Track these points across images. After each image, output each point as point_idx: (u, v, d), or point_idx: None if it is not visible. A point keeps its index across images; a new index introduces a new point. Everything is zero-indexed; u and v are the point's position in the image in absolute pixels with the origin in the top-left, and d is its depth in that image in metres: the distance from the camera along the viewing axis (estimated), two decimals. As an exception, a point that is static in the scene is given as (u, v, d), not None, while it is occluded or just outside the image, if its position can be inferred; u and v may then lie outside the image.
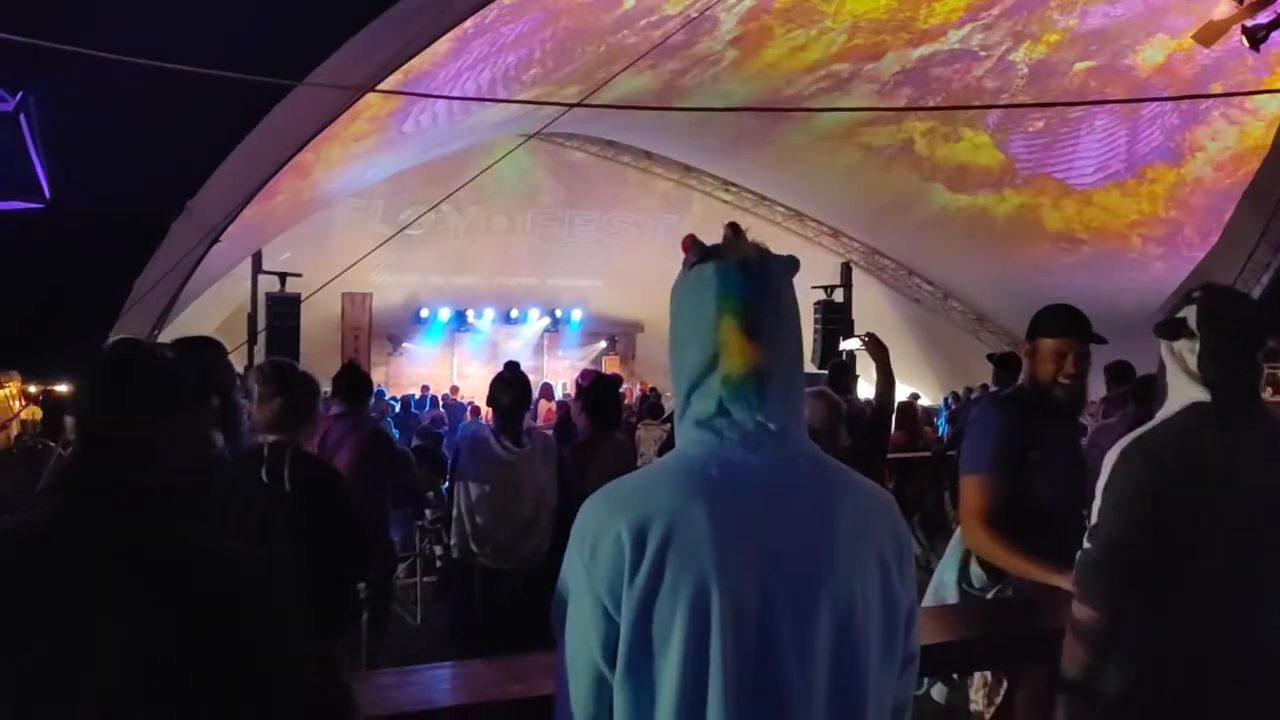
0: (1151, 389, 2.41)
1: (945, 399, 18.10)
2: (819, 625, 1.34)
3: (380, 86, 9.23)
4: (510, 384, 4.47)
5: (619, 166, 18.71)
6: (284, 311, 12.33)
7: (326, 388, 6.09)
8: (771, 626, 1.32)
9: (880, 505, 1.47)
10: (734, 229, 1.53)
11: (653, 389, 16.00)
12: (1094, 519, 2.17)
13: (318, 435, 4.79)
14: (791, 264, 1.51)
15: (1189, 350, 2.20)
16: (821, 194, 17.95)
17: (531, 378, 5.47)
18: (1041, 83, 12.69)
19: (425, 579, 7.34)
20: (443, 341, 21.15)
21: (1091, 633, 2.07)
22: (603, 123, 16.20)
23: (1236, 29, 8.53)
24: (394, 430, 8.46)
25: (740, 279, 1.44)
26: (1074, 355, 2.95)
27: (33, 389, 10.30)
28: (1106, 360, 6.24)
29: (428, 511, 7.23)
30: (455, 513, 4.38)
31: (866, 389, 6.24)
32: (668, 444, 6.39)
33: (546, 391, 15.08)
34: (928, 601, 3.04)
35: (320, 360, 12.10)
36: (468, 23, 9.68)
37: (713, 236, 1.54)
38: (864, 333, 5.47)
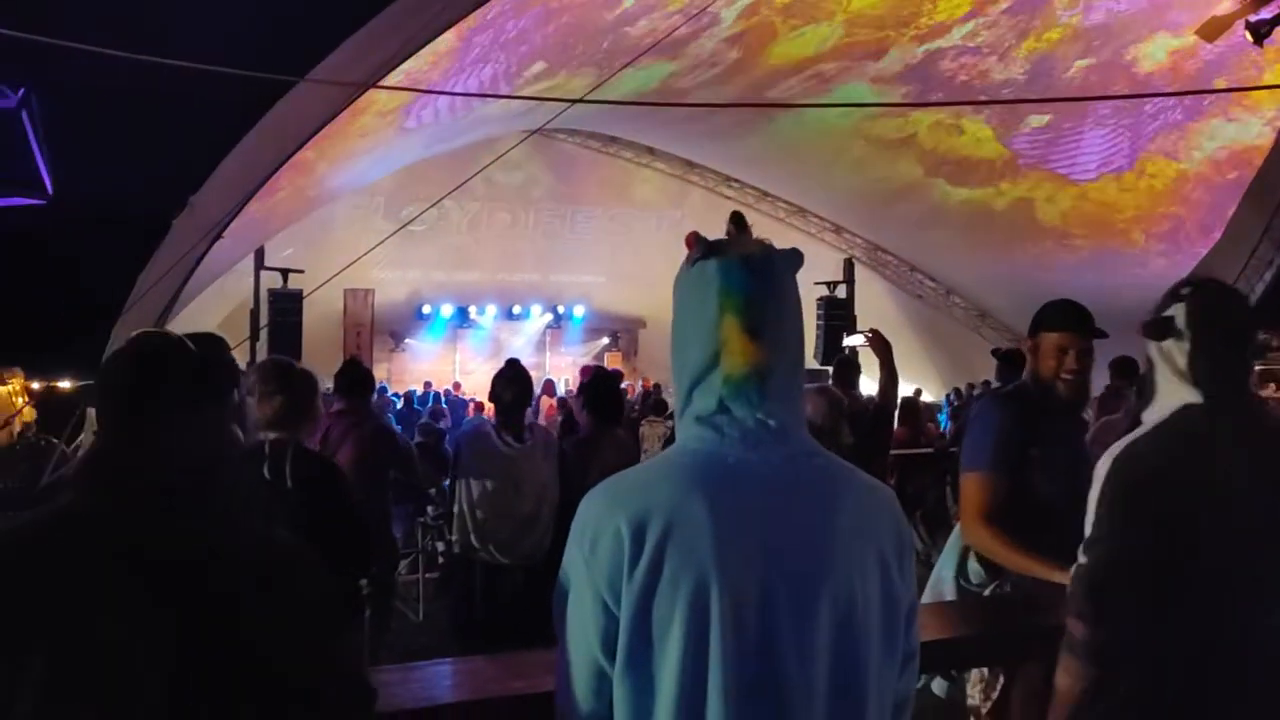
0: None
1: (947, 395, 18.11)
2: (819, 622, 1.34)
3: (382, 83, 9.23)
4: (512, 381, 4.47)
5: (621, 162, 18.71)
6: (286, 308, 12.30)
7: (328, 384, 6.11)
8: (772, 623, 1.32)
9: (881, 501, 1.47)
10: (737, 224, 1.52)
11: (656, 385, 16.01)
12: (1088, 531, 2.11)
13: (319, 432, 4.79)
14: (795, 259, 1.50)
15: (1179, 350, 2.14)
16: (824, 190, 17.94)
17: (534, 374, 5.47)
18: (1044, 79, 12.67)
19: (428, 575, 7.35)
20: (445, 338, 21.13)
21: (1089, 649, 2.01)
22: (606, 118, 16.19)
23: (1240, 24, 8.51)
24: (396, 426, 8.45)
25: (743, 276, 1.44)
26: (1076, 350, 2.94)
27: (35, 385, 10.30)
28: (1110, 357, 6.24)
29: (430, 508, 7.23)
30: (457, 509, 4.39)
31: (869, 385, 6.24)
32: (671, 441, 6.38)
33: (548, 388, 15.08)
34: (926, 597, 3.04)
35: (322, 357, 12.11)
36: (469, 19, 9.67)
37: (714, 232, 1.54)
38: (867, 329, 5.47)
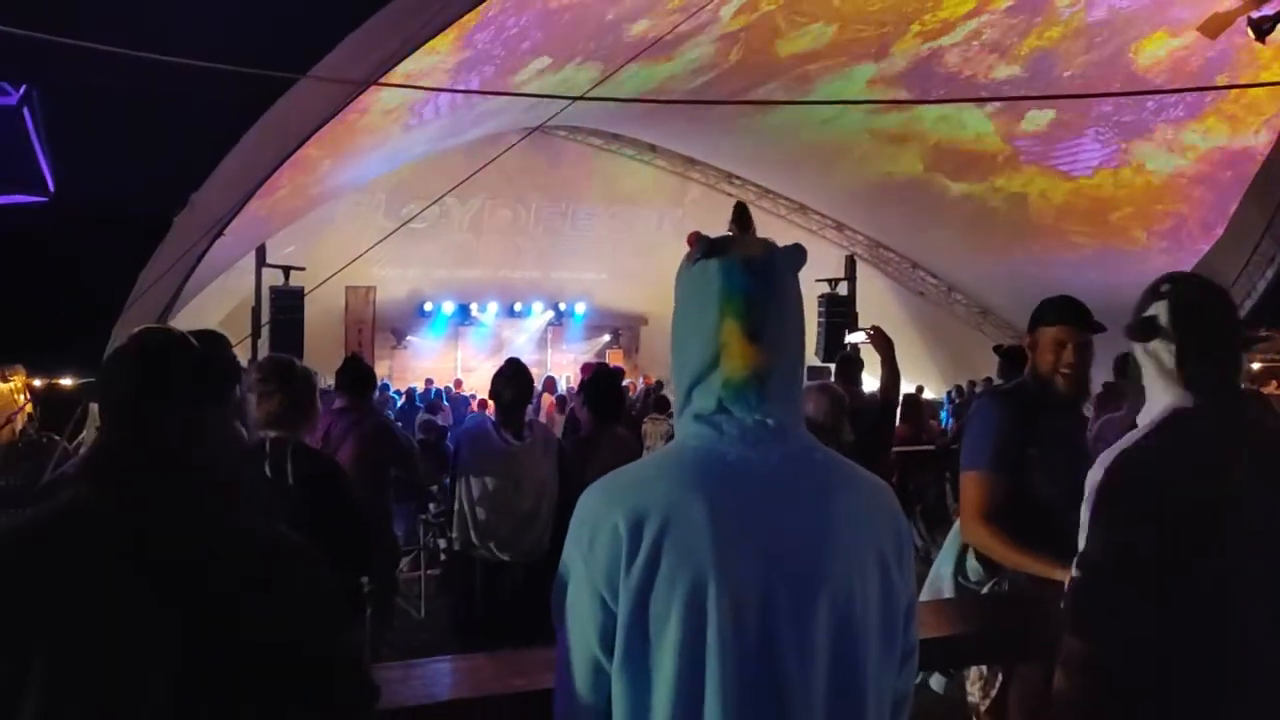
0: None
1: (948, 392, 18.12)
2: (818, 619, 1.34)
3: (383, 80, 9.23)
4: (512, 379, 4.47)
5: (622, 159, 18.71)
6: (288, 305, 12.31)
7: (330, 382, 6.11)
8: (770, 620, 1.32)
9: (880, 499, 1.47)
10: (740, 218, 1.52)
11: (658, 382, 16.00)
12: (1082, 544, 2.07)
13: (321, 430, 4.79)
14: (797, 257, 1.50)
15: (1165, 350, 2.08)
16: (825, 187, 17.93)
17: (535, 371, 5.47)
18: (1045, 76, 12.66)
19: (429, 572, 7.36)
20: (447, 335, 21.14)
21: (1088, 664, 1.98)
22: (608, 116, 16.19)
23: (1242, 21, 8.50)
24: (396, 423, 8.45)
25: (744, 279, 1.43)
26: (1074, 344, 2.93)
27: (37, 383, 10.32)
28: (1113, 355, 6.22)
29: (431, 505, 7.24)
30: (456, 506, 4.39)
31: (871, 383, 6.24)
32: (673, 438, 6.36)
33: (549, 385, 15.08)
34: (924, 595, 3.03)
35: (324, 354, 12.12)
36: (470, 18, 9.67)
37: (716, 230, 1.53)
38: (869, 326, 5.46)
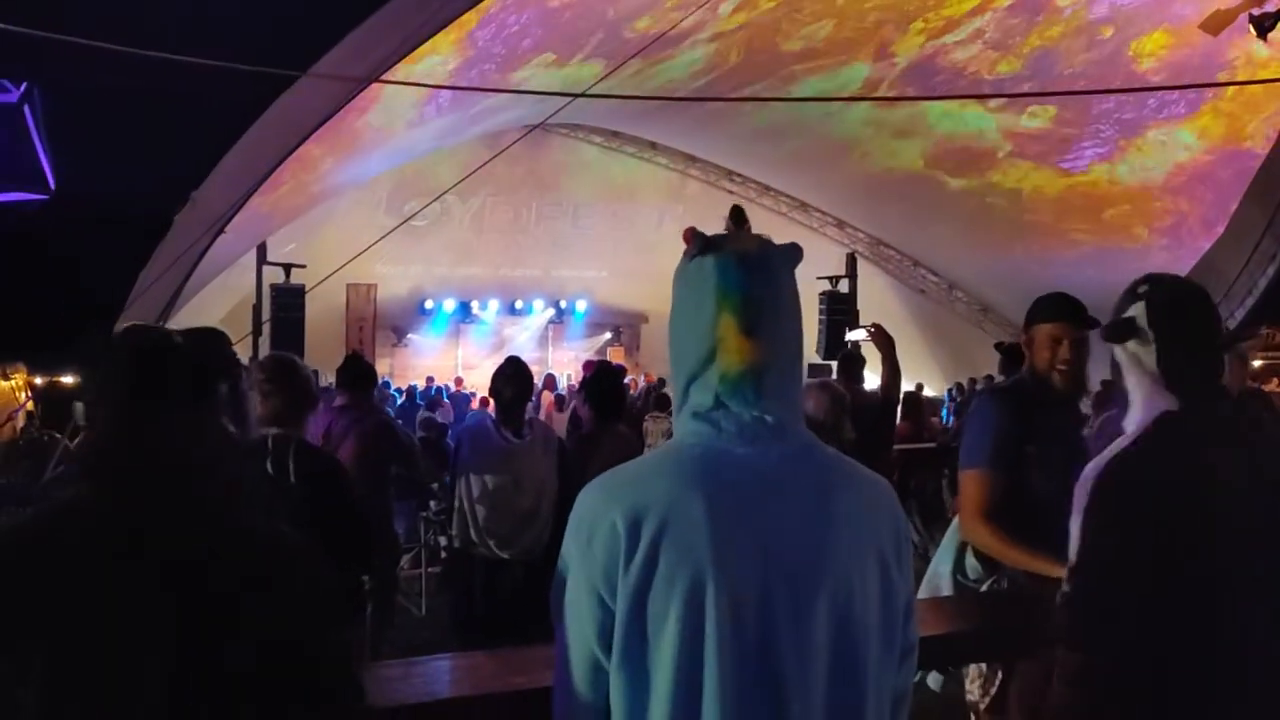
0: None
1: (949, 389, 18.12)
2: (817, 617, 1.34)
3: (384, 77, 9.23)
4: (512, 378, 4.47)
5: (623, 157, 18.70)
6: (289, 303, 12.33)
7: (331, 379, 6.11)
8: (769, 619, 1.33)
9: (879, 496, 1.47)
10: (736, 218, 1.52)
11: (660, 380, 16.00)
12: (1073, 556, 2.03)
13: (322, 427, 4.80)
14: (793, 254, 1.50)
15: (1145, 352, 2.05)
16: (827, 184, 17.93)
17: (536, 369, 5.47)
18: (1046, 73, 12.65)
19: (430, 570, 7.36)
20: (448, 333, 21.13)
21: (1085, 677, 1.95)
22: (609, 114, 16.18)
23: (1243, 18, 8.48)
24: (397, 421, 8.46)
25: (740, 274, 1.43)
26: (1069, 341, 2.94)
27: (38, 381, 10.32)
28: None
29: (432, 502, 7.24)
30: (456, 504, 4.39)
31: (872, 380, 6.24)
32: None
33: (550, 383, 15.09)
34: (922, 592, 3.04)
35: (325, 352, 12.13)
36: (472, 18, 9.68)
37: (716, 227, 1.53)
38: (870, 324, 5.46)
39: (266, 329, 12.30)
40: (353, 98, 9.66)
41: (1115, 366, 2.18)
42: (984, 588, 2.95)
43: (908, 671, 1.51)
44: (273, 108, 8.43)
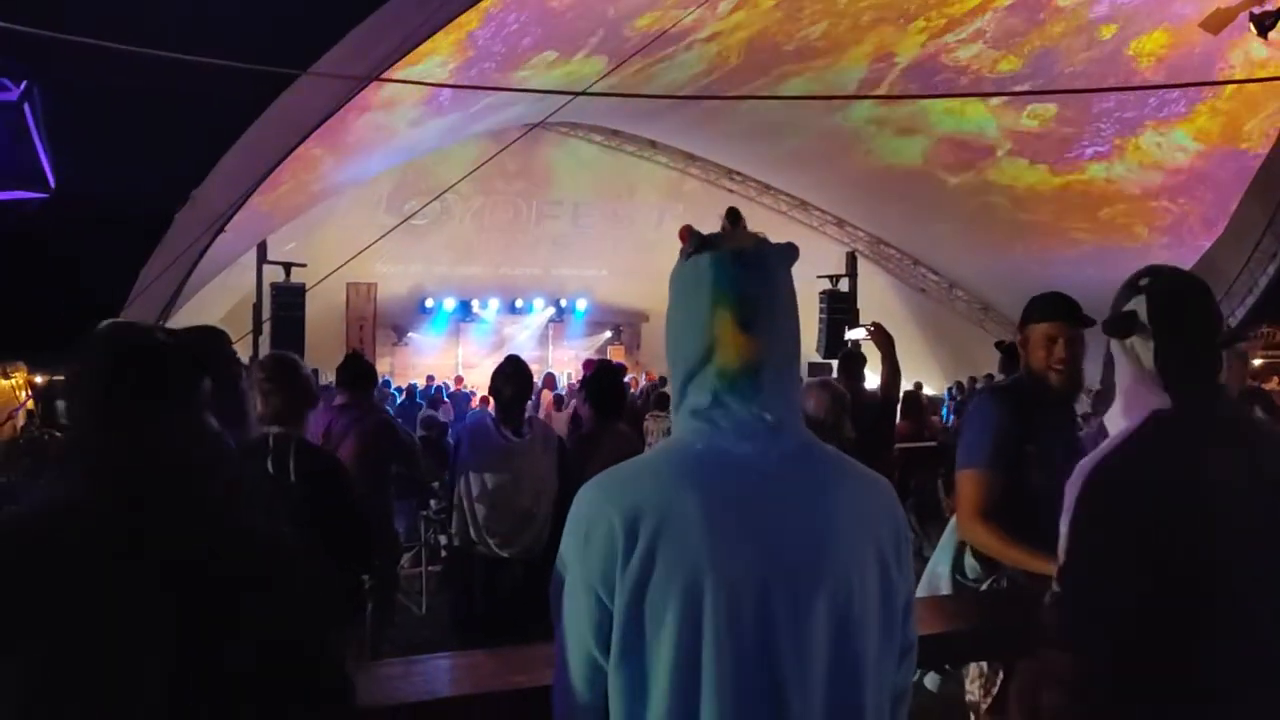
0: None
1: (949, 388, 18.12)
2: (816, 616, 1.34)
3: (384, 76, 9.22)
4: (511, 376, 4.47)
5: (623, 155, 18.69)
6: (289, 302, 12.34)
7: (331, 378, 6.11)
8: (768, 617, 1.32)
9: (878, 493, 1.47)
10: (732, 218, 1.52)
11: (661, 378, 16.00)
12: (1062, 556, 2.00)
13: (322, 426, 4.80)
14: (790, 253, 1.50)
15: (1143, 347, 2.00)
16: (827, 183, 17.93)
17: (536, 368, 5.47)
18: (1047, 71, 12.65)
19: (430, 569, 7.36)
20: (448, 331, 21.12)
21: (1077, 681, 1.91)
22: (611, 112, 16.18)
23: (1244, 16, 8.48)
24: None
25: (736, 271, 1.44)
26: (1064, 339, 2.94)
27: (39, 379, 10.33)
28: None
29: (433, 501, 7.24)
30: (456, 502, 4.40)
31: (872, 379, 6.23)
32: (672, 434, 6.35)
33: (549, 381, 15.09)
34: (921, 592, 3.02)
35: (325, 350, 12.14)
36: (472, 20, 9.67)
37: (716, 226, 1.53)
38: (869, 322, 5.46)
39: (267, 328, 12.30)
40: (353, 97, 9.66)
41: (1108, 361, 2.14)
42: (983, 587, 2.94)
43: (907, 670, 1.51)
44: (273, 107, 8.44)
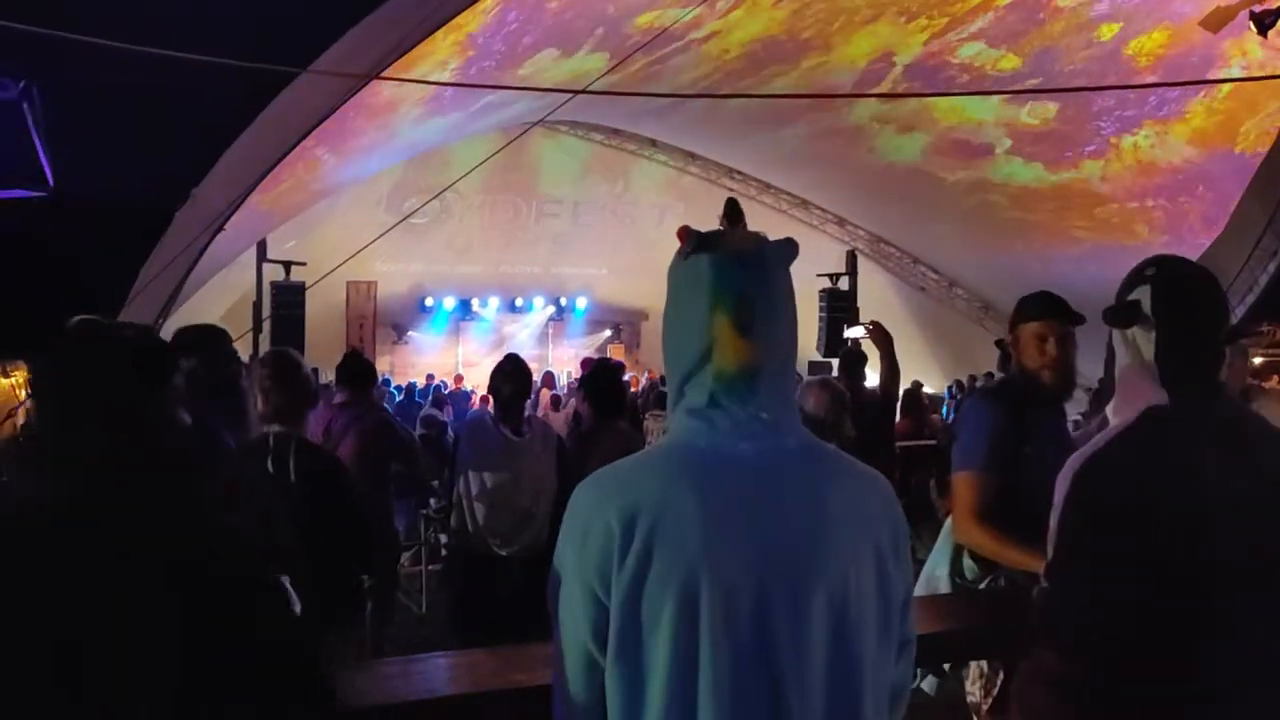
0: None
1: (949, 387, 18.13)
2: (814, 614, 1.34)
3: (384, 74, 9.21)
4: (510, 375, 4.47)
5: (623, 154, 18.68)
6: (289, 300, 12.32)
7: (331, 376, 6.11)
8: (765, 616, 1.32)
9: (876, 492, 1.47)
10: (731, 212, 1.51)
11: (661, 377, 15.99)
12: (1050, 552, 1.97)
13: (322, 424, 4.80)
14: (789, 251, 1.49)
15: (1145, 339, 1.95)
16: (827, 182, 17.92)
17: (536, 366, 5.47)
18: (1047, 70, 12.65)
19: (430, 568, 7.36)
20: (448, 330, 21.13)
21: (1061, 677, 1.89)
22: (611, 111, 16.17)
23: (1244, 14, 8.47)
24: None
25: (734, 273, 1.43)
26: (1055, 337, 2.95)
27: (39, 378, 10.30)
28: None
29: (433, 500, 7.24)
30: (456, 501, 4.40)
31: (873, 378, 6.23)
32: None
33: (548, 380, 15.08)
34: (919, 593, 3.03)
35: (325, 349, 12.13)
36: (473, 21, 9.66)
37: (716, 224, 1.53)
38: (868, 321, 5.46)
39: (266, 326, 12.28)
40: (353, 95, 9.64)
41: (1108, 359, 2.11)
42: (982, 587, 2.94)
43: (905, 667, 1.52)
44: (273, 105, 8.42)
